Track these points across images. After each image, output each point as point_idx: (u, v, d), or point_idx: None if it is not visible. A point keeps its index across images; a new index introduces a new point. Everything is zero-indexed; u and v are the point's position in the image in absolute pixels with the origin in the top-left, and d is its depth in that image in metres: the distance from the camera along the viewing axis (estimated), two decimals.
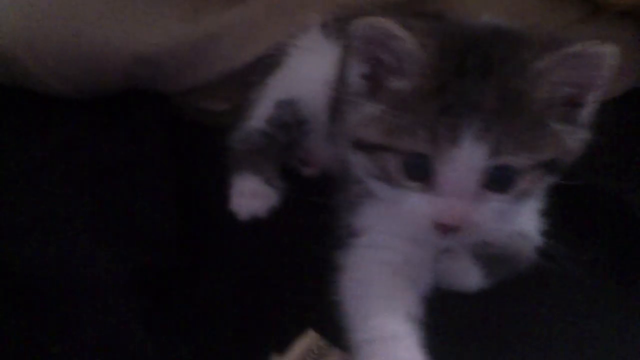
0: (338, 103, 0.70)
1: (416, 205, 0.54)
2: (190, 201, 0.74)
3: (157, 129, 0.81)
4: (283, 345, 0.58)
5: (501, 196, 0.54)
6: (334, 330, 0.58)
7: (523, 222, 0.64)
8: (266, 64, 0.81)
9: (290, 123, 0.77)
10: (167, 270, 0.66)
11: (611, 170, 0.74)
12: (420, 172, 0.53)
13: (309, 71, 0.76)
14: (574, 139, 0.55)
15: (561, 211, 0.64)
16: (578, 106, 0.54)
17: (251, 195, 0.72)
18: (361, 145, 0.57)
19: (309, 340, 0.58)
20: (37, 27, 0.80)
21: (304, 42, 0.79)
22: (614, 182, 0.73)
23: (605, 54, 0.51)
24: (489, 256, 0.62)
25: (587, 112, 0.55)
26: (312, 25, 0.79)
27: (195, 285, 0.65)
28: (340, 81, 0.67)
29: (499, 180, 0.53)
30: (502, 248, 0.63)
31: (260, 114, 0.79)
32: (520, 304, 0.63)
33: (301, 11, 0.81)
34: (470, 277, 0.62)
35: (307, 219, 0.69)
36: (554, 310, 0.62)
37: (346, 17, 0.78)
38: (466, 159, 0.51)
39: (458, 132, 0.50)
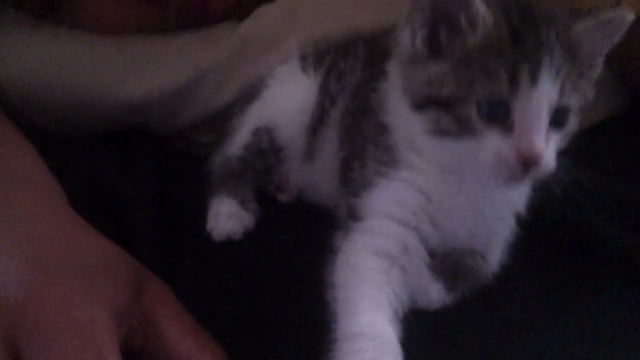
0: (323, 116, 0.77)
1: (499, 147, 0.58)
2: (174, 224, 0.75)
3: (146, 158, 0.83)
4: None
5: (558, 135, 0.61)
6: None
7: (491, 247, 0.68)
8: (247, 95, 0.84)
9: (266, 150, 0.80)
10: None
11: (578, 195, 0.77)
12: (498, 116, 0.58)
13: (285, 100, 0.80)
14: (590, 93, 0.63)
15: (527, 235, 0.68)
16: (592, 67, 0.64)
17: (226, 217, 0.74)
18: (435, 102, 0.60)
19: None
20: (25, 70, 0.82)
21: (281, 73, 0.82)
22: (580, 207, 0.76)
23: (628, 19, 0.61)
24: (450, 271, 0.65)
25: (595, 73, 0.64)
26: (290, 57, 0.83)
27: None
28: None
29: (558, 119, 0.60)
30: (465, 260, 0.66)
31: (238, 140, 0.82)
32: (480, 320, 0.63)
33: (275, 46, 0.83)
34: (432, 293, 0.64)
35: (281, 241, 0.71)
36: (514, 327, 0.63)
37: (325, 50, 0.82)
38: (543, 98, 0.57)
39: (538, 74, 0.57)
